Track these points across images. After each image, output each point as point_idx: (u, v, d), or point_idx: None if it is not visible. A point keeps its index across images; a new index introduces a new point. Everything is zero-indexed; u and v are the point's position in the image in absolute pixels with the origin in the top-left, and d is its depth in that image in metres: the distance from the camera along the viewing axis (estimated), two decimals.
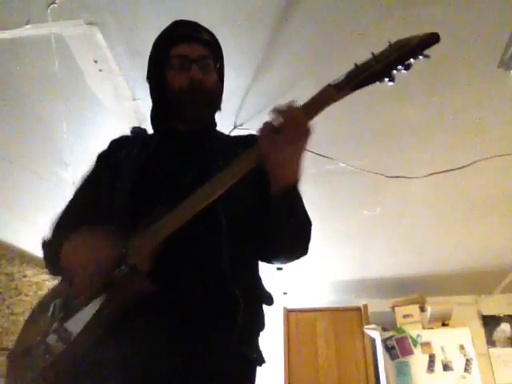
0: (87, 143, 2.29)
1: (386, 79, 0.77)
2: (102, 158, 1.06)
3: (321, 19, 1.64)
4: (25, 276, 3.94)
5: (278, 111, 0.76)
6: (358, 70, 0.77)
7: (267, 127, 0.76)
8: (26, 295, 3.82)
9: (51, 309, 0.85)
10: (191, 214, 0.80)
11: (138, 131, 1.12)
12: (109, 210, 0.91)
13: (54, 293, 0.92)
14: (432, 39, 0.75)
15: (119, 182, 0.94)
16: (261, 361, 0.88)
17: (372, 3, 1.57)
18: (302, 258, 0.94)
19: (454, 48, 1.74)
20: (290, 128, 0.74)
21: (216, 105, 1.03)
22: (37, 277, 3.96)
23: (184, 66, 0.95)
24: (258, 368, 0.89)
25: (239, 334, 0.82)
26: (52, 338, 0.80)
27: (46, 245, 0.96)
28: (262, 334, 0.90)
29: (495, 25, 1.63)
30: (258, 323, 0.90)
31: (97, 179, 1.02)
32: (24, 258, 3.92)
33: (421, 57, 0.76)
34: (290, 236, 0.88)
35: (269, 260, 0.96)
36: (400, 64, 0.76)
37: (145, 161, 0.96)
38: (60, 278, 0.94)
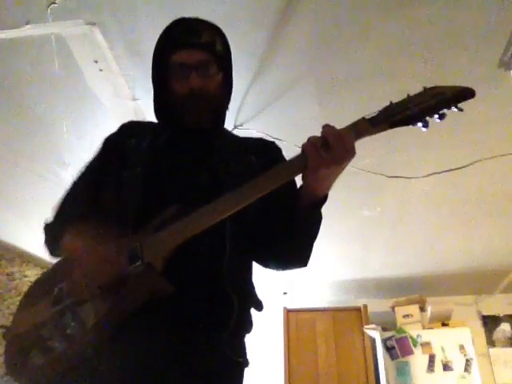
0: (87, 143, 2.29)
1: (420, 124, 0.80)
2: (110, 142, 1.04)
3: (321, 19, 1.64)
4: (25, 276, 3.94)
5: (328, 128, 0.77)
6: (393, 108, 0.80)
7: (316, 142, 0.76)
8: None
9: (55, 293, 0.82)
10: (217, 219, 0.78)
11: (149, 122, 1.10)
12: (115, 201, 0.90)
13: (54, 273, 0.90)
14: (468, 94, 0.77)
15: (127, 172, 0.93)
16: (247, 363, 0.89)
17: (372, 3, 1.57)
18: (301, 267, 0.98)
19: (454, 48, 1.74)
20: (340, 148, 0.75)
21: (221, 108, 1.02)
22: (37, 277, 3.95)
23: (184, 74, 0.93)
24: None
25: (229, 336, 0.82)
26: (59, 327, 0.77)
27: (48, 229, 0.95)
28: (247, 336, 0.92)
29: (495, 25, 1.64)
30: (247, 327, 0.91)
31: (102, 165, 1.00)
32: (24, 257, 3.92)
33: (455, 109, 0.78)
34: (307, 245, 0.95)
35: (267, 264, 0.98)
36: (435, 113, 0.78)
37: (156, 155, 0.95)
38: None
